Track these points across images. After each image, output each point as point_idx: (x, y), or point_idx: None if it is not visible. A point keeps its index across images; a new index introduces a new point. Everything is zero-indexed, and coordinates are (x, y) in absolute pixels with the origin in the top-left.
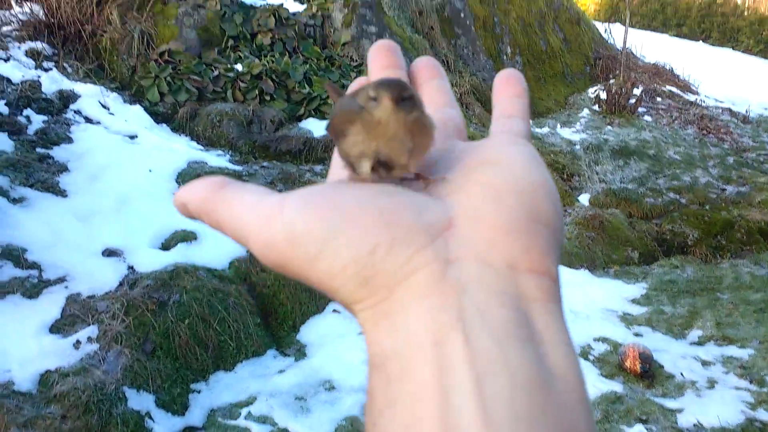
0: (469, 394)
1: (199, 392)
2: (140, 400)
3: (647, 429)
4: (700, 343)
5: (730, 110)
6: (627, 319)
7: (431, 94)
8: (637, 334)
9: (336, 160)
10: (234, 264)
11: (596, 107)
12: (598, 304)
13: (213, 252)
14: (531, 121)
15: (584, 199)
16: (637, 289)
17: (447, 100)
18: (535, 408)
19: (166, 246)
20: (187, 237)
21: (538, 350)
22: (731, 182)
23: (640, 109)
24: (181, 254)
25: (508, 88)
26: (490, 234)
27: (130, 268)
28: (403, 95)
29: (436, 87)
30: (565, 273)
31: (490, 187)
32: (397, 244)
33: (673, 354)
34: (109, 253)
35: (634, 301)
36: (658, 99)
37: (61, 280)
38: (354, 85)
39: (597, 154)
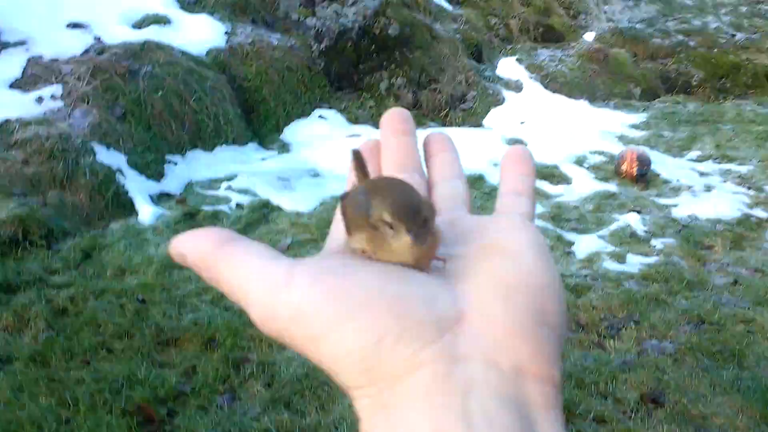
0: None
1: (175, 164)
2: (110, 157)
3: (641, 218)
4: (699, 160)
5: None
6: (625, 139)
7: (441, 167)
8: None
9: (337, 225)
10: (212, 53)
11: None
12: (596, 128)
13: (189, 38)
14: None
15: (589, 36)
16: (637, 118)
17: (455, 172)
18: None
19: (138, 25)
20: (160, 20)
21: None
22: (742, 29)
23: None
24: (153, 34)
25: (517, 166)
26: (499, 334)
27: (97, 39)
28: (419, 225)
29: (446, 160)
30: (565, 101)
31: (500, 281)
32: (405, 336)
33: (671, 166)
34: (74, 25)
35: (633, 126)
36: None
37: (21, 43)
38: (366, 150)
39: None
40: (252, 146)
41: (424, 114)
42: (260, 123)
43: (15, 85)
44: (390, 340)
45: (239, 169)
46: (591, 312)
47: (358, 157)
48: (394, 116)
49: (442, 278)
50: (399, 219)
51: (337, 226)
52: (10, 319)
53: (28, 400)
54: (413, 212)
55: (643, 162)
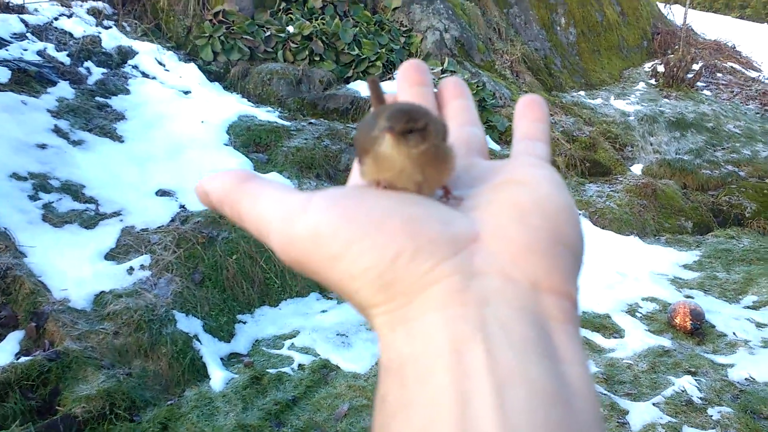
0: (489, 401)
1: (244, 323)
2: (189, 324)
3: (696, 380)
4: (755, 307)
5: None
6: (678, 282)
7: (455, 113)
8: (688, 297)
9: (357, 165)
10: None
11: (653, 81)
12: (647, 268)
13: None
14: (583, 93)
15: (636, 169)
16: (690, 256)
17: (471, 119)
18: (554, 421)
19: None
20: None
21: (558, 367)
22: None
23: (699, 84)
24: None
25: (530, 113)
26: (515, 251)
27: (182, 206)
28: (410, 128)
29: (460, 107)
30: (614, 238)
31: (515, 205)
32: (420, 252)
33: (726, 316)
34: (162, 193)
35: (686, 266)
36: (719, 74)
37: (116, 214)
38: (389, 98)
39: (652, 125)
40: (313, 296)
41: None
42: None
43: (109, 255)
44: (406, 256)
45: (302, 325)
46: None
47: (374, 86)
48: (411, 67)
49: (456, 208)
50: (388, 121)
51: (355, 173)
52: None
53: None
54: (404, 115)
55: (696, 317)
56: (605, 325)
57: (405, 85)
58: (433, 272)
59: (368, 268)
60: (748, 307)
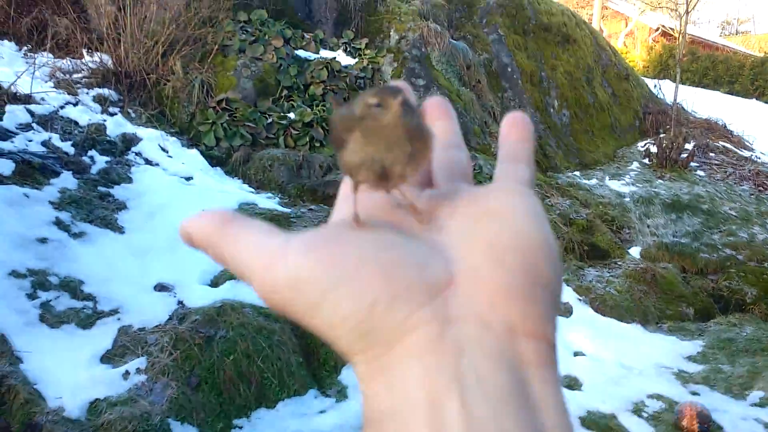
0: None
1: (240, 428)
2: None
3: None
4: (761, 404)
5: None
6: (683, 377)
7: (439, 135)
8: (694, 393)
9: (342, 194)
10: None
11: (646, 161)
12: (651, 360)
13: None
14: (578, 173)
15: (635, 252)
16: (693, 346)
17: (455, 140)
18: None
19: (214, 283)
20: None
21: (534, 418)
22: None
23: (692, 164)
24: (228, 291)
25: (514, 132)
26: (490, 295)
27: (180, 303)
28: (405, 100)
29: (444, 128)
30: (617, 326)
31: (491, 244)
32: (396, 300)
33: (733, 415)
34: (160, 288)
35: (690, 358)
36: (711, 154)
37: (114, 312)
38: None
39: (648, 207)
40: (312, 393)
41: None
42: (320, 366)
43: (105, 358)
44: (382, 304)
45: (299, 428)
46: None
47: (337, 101)
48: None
49: (434, 247)
50: (386, 95)
51: (339, 205)
52: None
53: None
54: (398, 89)
55: (704, 420)
56: (612, 428)
57: None
58: (410, 320)
59: (347, 316)
60: (755, 405)
